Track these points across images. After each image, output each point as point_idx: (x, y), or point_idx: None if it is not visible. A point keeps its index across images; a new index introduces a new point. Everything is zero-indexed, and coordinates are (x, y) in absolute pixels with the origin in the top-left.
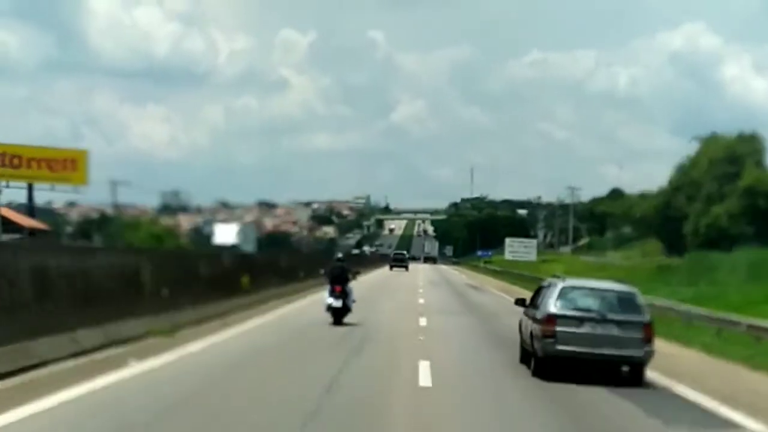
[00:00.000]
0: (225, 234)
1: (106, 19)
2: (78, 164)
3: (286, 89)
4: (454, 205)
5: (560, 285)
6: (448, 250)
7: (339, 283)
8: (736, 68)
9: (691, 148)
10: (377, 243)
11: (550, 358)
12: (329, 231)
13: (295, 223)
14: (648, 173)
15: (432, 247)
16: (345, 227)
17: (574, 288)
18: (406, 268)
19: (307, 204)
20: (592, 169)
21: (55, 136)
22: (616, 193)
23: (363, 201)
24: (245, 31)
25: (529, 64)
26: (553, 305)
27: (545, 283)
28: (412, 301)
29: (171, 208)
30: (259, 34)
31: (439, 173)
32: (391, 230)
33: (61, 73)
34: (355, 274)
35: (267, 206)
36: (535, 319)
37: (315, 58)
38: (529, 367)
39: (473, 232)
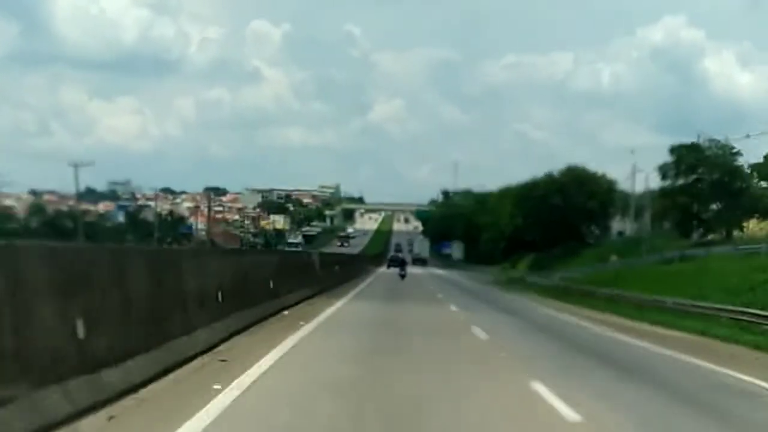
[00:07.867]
0: None
1: (73, 10)
2: None
3: (260, 82)
4: (445, 194)
5: None
6: (457, 250)
7: (402, 266)
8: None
9: None
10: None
11: None
12: (278, 220)
13: (240, 210)
14: (629, 170)
15: (422, 247)
16: (302, 218)
17: None
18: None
19: (266, 192)
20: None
21: (24, 130)
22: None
23: (331, 191)
24: (217, 21)
25: (509, 64)
26: None
27: None
28: None
29: (95, 194)
30: (230, 24)
31: (416, 172)
32: (347, 238)
33: (28, 65)
34: None
35: (215, 193)
36: None
37: (289, 51)
38: None
39: (542, 218)
